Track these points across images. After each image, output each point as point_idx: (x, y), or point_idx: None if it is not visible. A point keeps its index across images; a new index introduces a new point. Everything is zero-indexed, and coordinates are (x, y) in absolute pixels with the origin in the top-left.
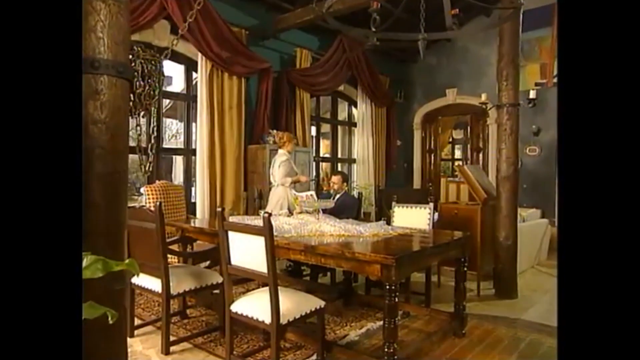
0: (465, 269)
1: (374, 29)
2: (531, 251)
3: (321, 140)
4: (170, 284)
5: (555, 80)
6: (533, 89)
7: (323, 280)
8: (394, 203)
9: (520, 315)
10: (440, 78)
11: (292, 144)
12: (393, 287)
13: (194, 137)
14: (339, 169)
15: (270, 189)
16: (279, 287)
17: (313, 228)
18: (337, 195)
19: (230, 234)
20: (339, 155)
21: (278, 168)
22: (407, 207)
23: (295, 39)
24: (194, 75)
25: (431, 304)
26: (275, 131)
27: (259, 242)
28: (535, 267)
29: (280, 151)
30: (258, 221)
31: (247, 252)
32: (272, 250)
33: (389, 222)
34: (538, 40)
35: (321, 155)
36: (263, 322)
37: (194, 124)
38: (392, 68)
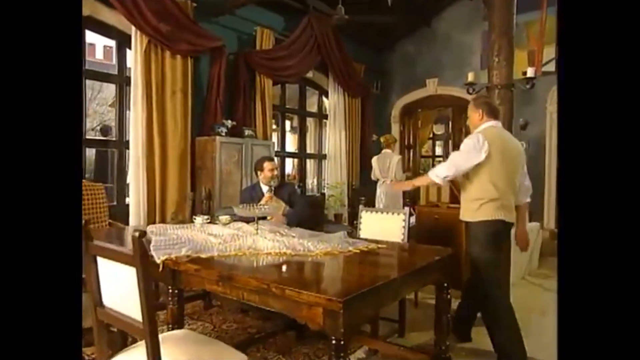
0: (449, 296)
1: None
2: (521, 260)
3: (288, 133)
4: None
5: (543, 69)
6: (531, 67)
7: None
8: (361, 207)
9: None
10: (419, 67)
11: (395, 144)
12: (342, 343)
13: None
14: (308, 165)
15: (379, 184)
16: (186, 332)
17: (244, 244)
18: (273, 188)
19: (100, 260)
20: (308, 150)
21: (396, 165)
22: (377, 212)
23: (256, 16)
24: (129, 53)
25: (406, 332)
26: (228, 122)
27: (130, 275)
28: (525, 278)
29: (388, 151)
30: (187, 230)
31: (120, 289)
32: (147, 288)
33: None
34: (526, 25)
35: (288, 150)
36: None
37: (129, 112)
38: (368, 56)
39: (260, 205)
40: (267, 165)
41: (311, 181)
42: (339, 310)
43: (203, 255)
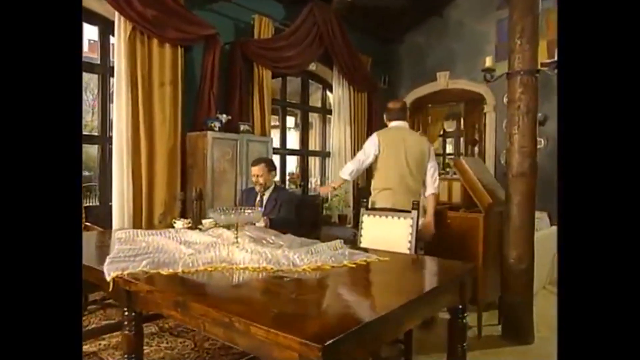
0: (465, 320)
1: None
2: (542, 268)
3: (292, 130)
4: None
5: None
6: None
7: None
8: (362, 210)
9: None
10: (430, 60)
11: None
12: None
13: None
14: (310, 163)
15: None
16: None
17: (218, 256)
18: (267, 194)
19: None
20: (311, 148)
21: None
22: (380, 215)
23: (254, 4)
24: (112, 40)
25: (414, 355)
26: (222, 116)
27: None
28: (546, 287)
29: None
30: (159, 238)
31: None
32: None
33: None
34: (545, 13)
35: (290, 147)
36: None
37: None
38: (375, 48)
39: (239, 210)
40: (252, 170)
41: (314, 180)
42: (318, 359)
43: (163, 272)
